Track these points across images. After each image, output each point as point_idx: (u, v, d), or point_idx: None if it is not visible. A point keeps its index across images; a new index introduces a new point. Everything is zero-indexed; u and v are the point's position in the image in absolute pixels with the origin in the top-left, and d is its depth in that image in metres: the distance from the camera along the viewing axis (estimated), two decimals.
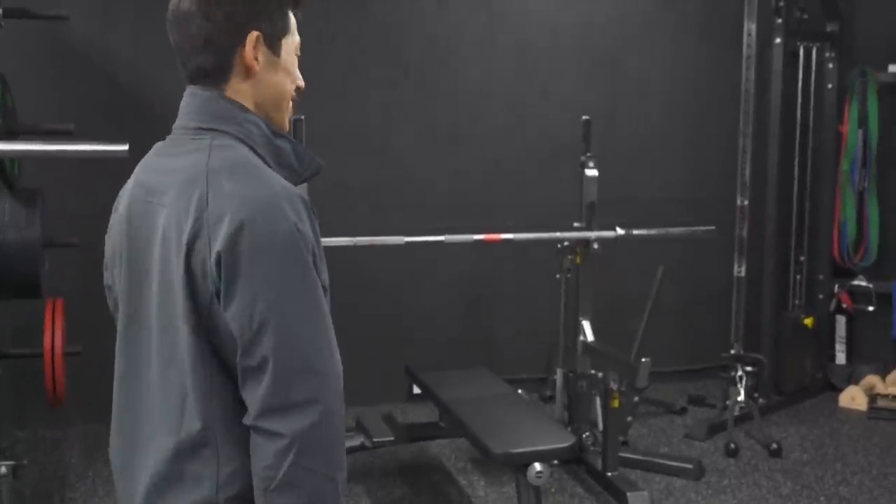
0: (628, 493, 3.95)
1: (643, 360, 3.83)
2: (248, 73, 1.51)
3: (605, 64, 5.49)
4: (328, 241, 4.05)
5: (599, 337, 4.55)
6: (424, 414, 4.72)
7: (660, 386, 5.59)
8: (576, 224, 4.39)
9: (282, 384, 1.37)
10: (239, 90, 1.51)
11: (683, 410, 5.30)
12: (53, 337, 4.03)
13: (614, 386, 4.17)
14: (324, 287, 1.46)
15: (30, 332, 4.01)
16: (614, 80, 5.50)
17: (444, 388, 3.97)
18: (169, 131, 1.56)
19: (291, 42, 1.57)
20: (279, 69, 1.54)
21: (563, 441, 3.32)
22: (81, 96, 4.69)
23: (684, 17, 5.56)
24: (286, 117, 1.57)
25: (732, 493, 4.20)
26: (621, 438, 4.71)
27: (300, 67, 1.60)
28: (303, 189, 1.57)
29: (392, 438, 4.13)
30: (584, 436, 4.38)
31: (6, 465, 3.79)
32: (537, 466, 3.25)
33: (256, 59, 1.50)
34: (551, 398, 5.05)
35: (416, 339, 5.29)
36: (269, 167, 1.48)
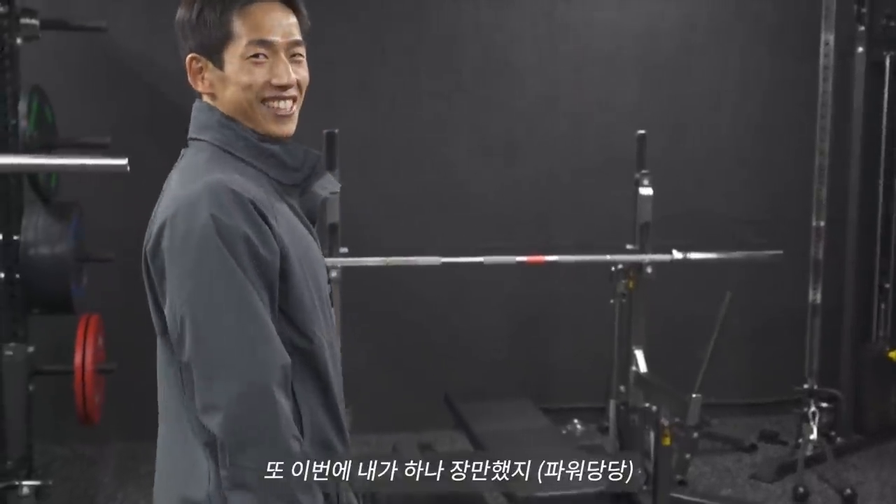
0: None
1: (694, 395, 3.51)
2: (203, 92, 1.56)
3: (671, 74, 5.16)
4: (363, 260, 3.90)
5: (665, 366, 4.28)
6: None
7: (729, 420, 5.25)
8: (628, 246, 4.10)
9: (205, 382, 1.39)
10: (212, 104, 1.57)
11: (753, 448, 4.91)
12: (85, 354, 3.96)
13: (666, 422, 3.85)
14: (285, 283, 1.46)
15: (68, 348, 3.94)
16: (680, 91, 5.17)
17: (477, 420, 3.73)
18: None
19: (238, 48, 1.51)
20: (228, 82, 1.52)
21: (595, 485, 3.03)
22: (123, 109, 4.62)
23: (757, 24, 5.19)
24: (266, 122, 1.53)
25: None
26: (678, 477, 4.39)
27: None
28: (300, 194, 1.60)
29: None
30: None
31: (29, 486, 3.72)
32: None
33: (203, 79, 1.54)
34: (608, 430, 4.75)
35: (466, 362, 5.06)
36: (257, 168, 1.51)
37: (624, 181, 4.40)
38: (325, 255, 3.79)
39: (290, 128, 1.57)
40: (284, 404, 1.41)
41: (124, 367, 4.00)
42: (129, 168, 2.91)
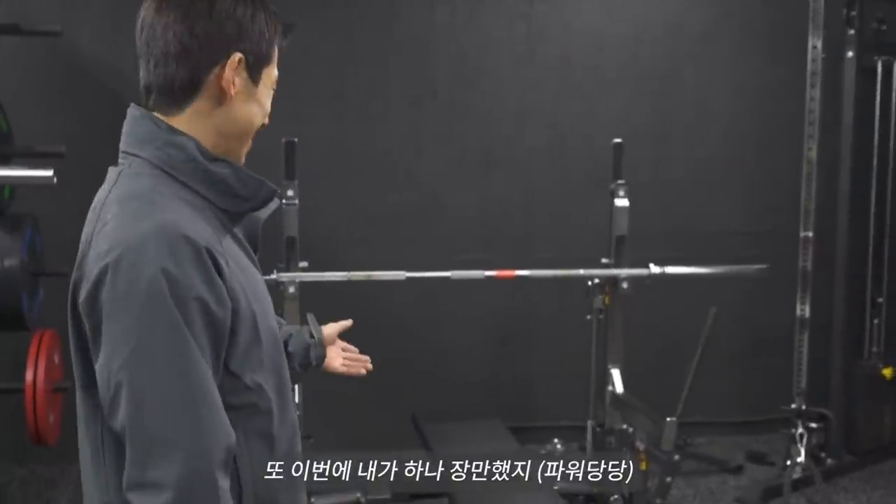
0: None
1: (669, 419, 3.33)
2: (221, 97, 1.38)
3: (657, 82, 4.98)
4: (323, 275, 3.74)
5: (649, 385, 4.12)
6: None
7: (717, 439, 5.08)
8: (604, 260, 3.92)
9: (139, 456, 1.24)
10: (202, 114, 1.38)
11: (739, 469, 4.72)
12: (36, 371, 3.80)
13: (641, 445, 3.68)
14: (235, 337, 1.32)
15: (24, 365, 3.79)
16: (666, 100, 4.99)
17: (441, 442, 3.55)
18: None
19: (271, 74, 1.45)
20: (253, 99, 1.42)
21: None
22: (84, 117, 4.46)
23: (745, 30, 5.00)
24: (242, 150, 1.45)
25: None
26: (658, 502, 4.20)
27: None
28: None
29: (388, 496, 3.72)
30: (611, 498, 3.89)
31: None
32: None
33: (234, 82, 1.38)
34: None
35: (441, 380, 4.89)
36: (201, 196, 1.35)
37: (608, 193, 4.21)
38: (283, 270, 3.66)
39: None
40: (226, 488, 1.28)
41: None
42: (55, 180, 2.74)
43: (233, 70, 1.37)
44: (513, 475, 3.15)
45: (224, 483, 1.27)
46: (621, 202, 3.87)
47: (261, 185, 1.42)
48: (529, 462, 3.40)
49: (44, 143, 4.02)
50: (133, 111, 1.41)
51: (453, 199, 4.84)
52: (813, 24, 4.36)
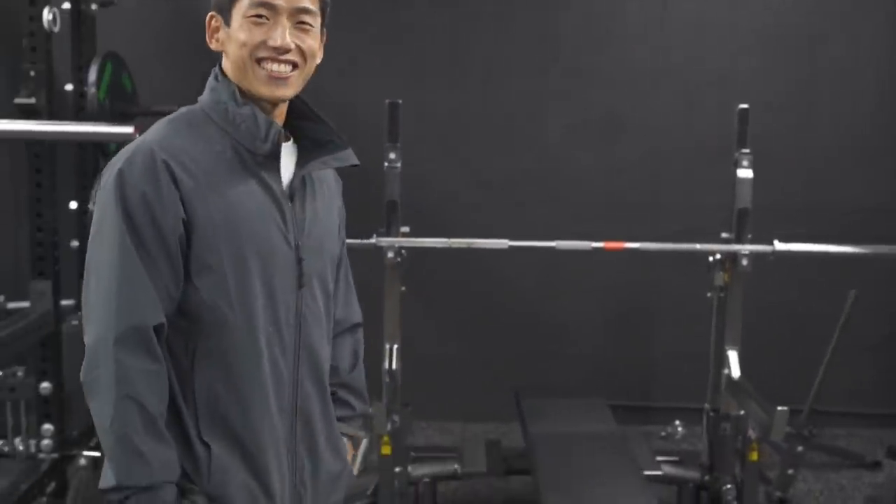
0: None
1: (779, 409, 3.06)
2: (216, 50, 1.61)
3: (800, 45, 4.61)
4: (422, 241, 3.64)
5: (777, 370, 3.89)
6: None
7: (856, 431, 4.71)
8: (724, 235, 3.65)
9: (83, 323, 1.49)
10: (226, 61, 1.59)
11: (876, 465, 4.36)
12: None
13: (753, 435, 3.42)
14: (191, 250, 1.48)
15: None
16: (810, 65, 4.61)
17: (536, 420, 3.41)
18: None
19: (242, 6, 1.54)
20: (231, 39, 1.56)
21: None
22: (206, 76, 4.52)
23: None
24: (257, 83, 1.55)
25: None
26: (779, 495, 3.93)
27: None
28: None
29: (483, 470, 3.62)
30: (724, 488, 3.66)
31: (87, 457, 3.69)
32: None
33: (216, 38, 1.59)
34: None
35: (554, 354, 4.75)
36: (229, 134, 1.54)
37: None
38: (383, 235, 3.58)
39: (284, 92, 1.57)
40: (130, 363, 1.42)
41: None
42: (137, 135, 2.76)
43: (209, 28, 1.59)
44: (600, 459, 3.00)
45: (128, 359, 1.42)
46: (745, 173, 3.58)
47: (270, 126, 1.54)
48: (622, 447, 3.22)
49: (167, 102, 4.11)
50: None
51: (574, 166, 4.66)
52: None
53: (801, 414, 4.12)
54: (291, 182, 1.60)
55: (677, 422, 4.70)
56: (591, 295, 4.75)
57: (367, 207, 3.76)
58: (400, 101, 3.58)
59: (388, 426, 3.33)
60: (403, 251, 3.62)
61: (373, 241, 3.51)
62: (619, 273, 4.70)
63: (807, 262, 4.22)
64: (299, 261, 1.58)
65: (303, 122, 1.67)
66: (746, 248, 3.56)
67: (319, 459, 1.64)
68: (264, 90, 1.54)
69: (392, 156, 3.55)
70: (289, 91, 1.56)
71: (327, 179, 1.73)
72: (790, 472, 3.94)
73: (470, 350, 4.76)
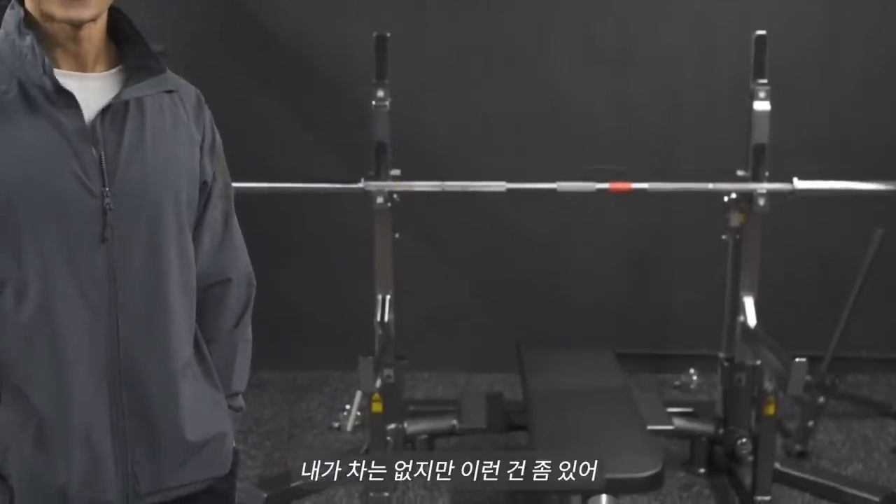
0: None
1: (797, 360, 2.83)
2: None
3: None
4: (412, 185, 3.40)
5: (795, 316, 3.89)
6: None
7: (881, 377, 4.47)
8: (739, 173, 3.40)
9: None
10: None
11: None
12: None
13: (770, 387, 3.20)
14: None
15: None
16: None
17: (536, 373, 3.21)
18: None
19: None
20: None
21: (644, 468, 2.46)
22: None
23: None
24: (48, 3, 1.35)
25: None
26: (798, 448, 3.73)
27: None
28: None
29: (483, 426, 3.44)
30: (739, 442, 3.46)
31: None
32: (603, 500, 2.43)
33: None
34: None
35: (568, 302, 4.53)
36: (12, 67, 1.36)
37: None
38: (372, 179, 3.36)
39: (82, 13, 1.35)
40: None
41: None
42: None
43: None
44: (603, 414, 2.79)
45: None
46: (761, 105, 3.31)
47: (44, 57, 1.35)
48: (627, 400, 3.01)
49: None
50: None
51: (583, 104, 4.39)
52: None
53: (823, 362, 3.90)
54: (102, 117, 1.39)
55: (692, 370, 4.48)
56: (602, 240, 4.51)
57: (359, 150, 3.54)
58: (388, 35, 3.34)
59: (378, 383, 3.14)
60: (396, 196, 3.41)
61: (361, 185, 3.29)
62: (632, 216, 4.47)
63: (831, 202, 3.97)
64: (104, 210, 1.38)
65: (128, 45, 1.45)
66: (763, 186, 3.30)
67: (164, 428, 1.45)
68: (59, 11, 1.35)
69: (380, 94, 3.32)
70: (87, 11, 1.35)
71: (174, 108, 1.49)
72: (810, 424, 3.73)
73: (477, 299, 4.56)
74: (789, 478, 3.44)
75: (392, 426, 3.41)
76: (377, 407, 3.19)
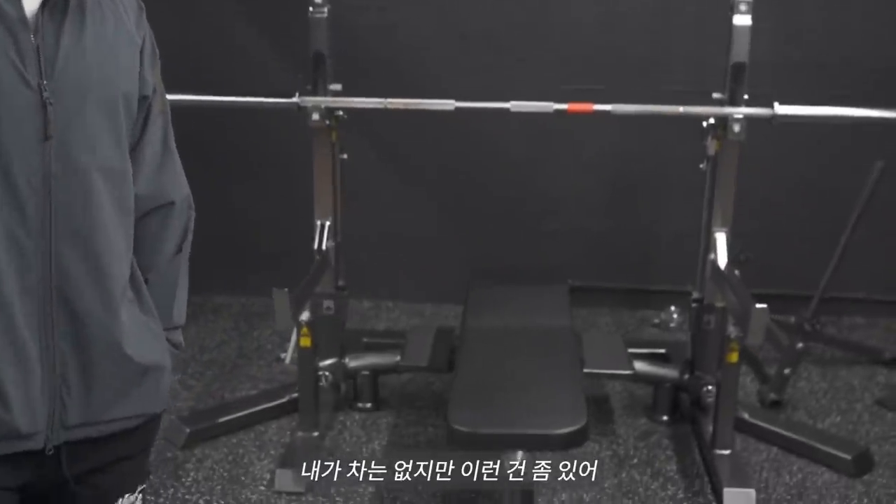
0: (725, 489, 2.78)
1: (757, 306, 2.55)
2: None
3: None
4: (353, 101, 3.10)
5: (788, 252, 3.76)
6: None
7: (880, 321, 4.17)
8: (715, 95, 3.06)
9: None
10: None
11: (894, 362, 3.83)
12: None
13: (733, 333, 2.92)
14: None
15: None
16: None
17: (477, 310, 2.96)
18: None
19: None
20: None
21: (565, 424, 2.20)
22: None
23: None
24: None
25: None
26: (773, 397, 3.46)
27: None
28: None
29: (424, 364, 3.21)
30: (704, 389, 3.20)
31: None
32: (518, 455, 2.19)
33: None
34: None
35: (547, 231, 4.25)
36: None
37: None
38: (308, 94, 3.07)
39: None
40: None
41: None
42: None
43: None
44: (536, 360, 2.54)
45: None
46: (742, 20, 2.95)
47: None
48: (569, 345, 2.75)
49: None
50: None
51: (564, 17, 4.03)
52: None
53: (811, 304, 3.61)
54: (42, 10, 1.28)
55: (673, 308, 4.21)
56: (585, 166, 4.19)
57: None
58: None
59: (306, 316, 2.90)
60: (342, 113, 3.12)
61: (295, 100, 3.00)
62: (617, 143, 4.14)
63: (830, 131, 3.62)
64: (44, 105, 1.27)
65: None
66: (739, 111, 2.96)
67: (100, 354, 1.35)
68: None
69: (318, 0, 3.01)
70: None
71: (115, 8, 1.38)
72: (786, 371, 3.45)
73: (446, 228, 4.29)
74: (757, 429, 3.19)
75: (332, 361, 3.20)
76: (305, 341, 2.97)
